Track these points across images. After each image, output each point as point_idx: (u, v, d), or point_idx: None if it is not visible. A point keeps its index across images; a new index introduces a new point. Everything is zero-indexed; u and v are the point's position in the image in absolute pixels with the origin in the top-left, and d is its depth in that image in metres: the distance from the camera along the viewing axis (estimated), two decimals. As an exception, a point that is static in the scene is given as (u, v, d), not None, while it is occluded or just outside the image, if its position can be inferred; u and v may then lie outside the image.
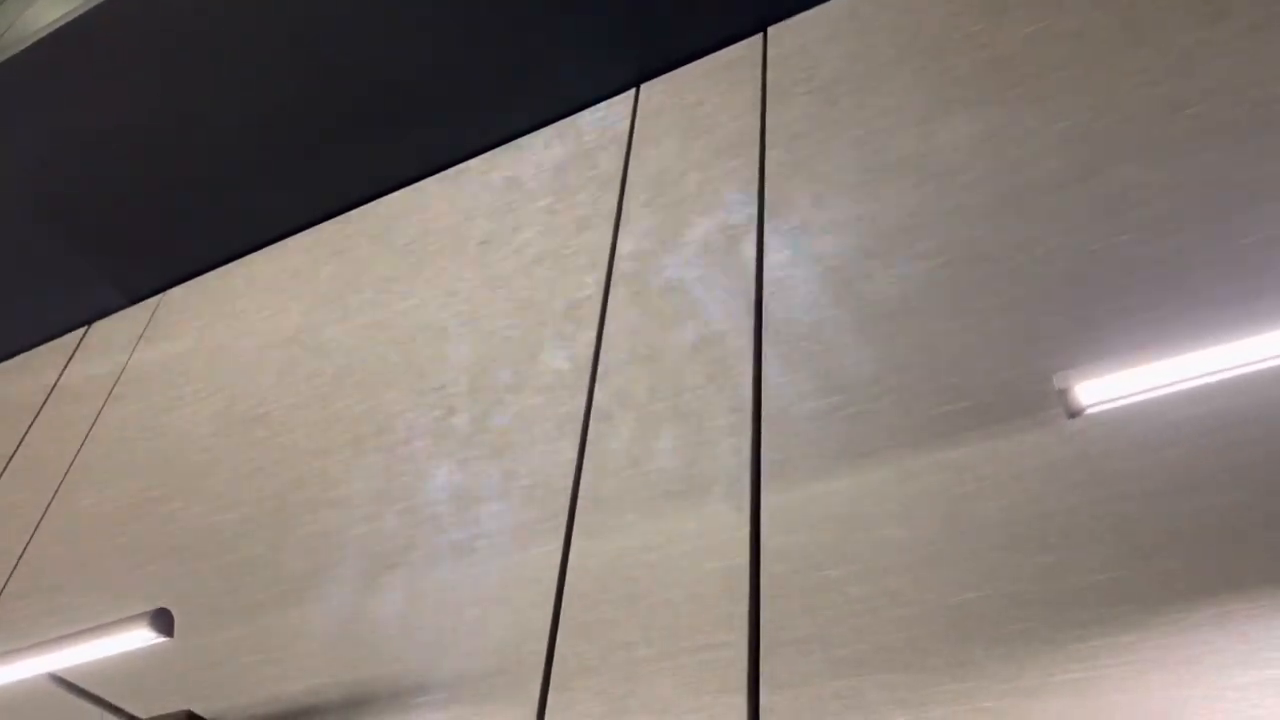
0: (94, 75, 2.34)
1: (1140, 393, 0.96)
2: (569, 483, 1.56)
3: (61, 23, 2.31)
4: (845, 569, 1.25)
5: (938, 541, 1.21)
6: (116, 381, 2.43)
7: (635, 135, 2.01)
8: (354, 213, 2.35)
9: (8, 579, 2.13)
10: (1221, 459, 1.11)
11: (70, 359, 2.63)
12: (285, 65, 2.23)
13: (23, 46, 2.37)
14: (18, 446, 2.48)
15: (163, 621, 1.38)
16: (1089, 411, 0.97)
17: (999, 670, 1.09)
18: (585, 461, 1.57)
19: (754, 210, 1.70)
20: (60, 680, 1.50)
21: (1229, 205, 1.29)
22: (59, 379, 2.59)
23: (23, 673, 1.49)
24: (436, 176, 2.27)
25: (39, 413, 2.53)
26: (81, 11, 2.29)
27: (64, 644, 1.44)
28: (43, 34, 2.34)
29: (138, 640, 1.40)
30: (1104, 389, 0.96)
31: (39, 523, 2.22)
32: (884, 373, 1.40)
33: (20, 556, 2.17)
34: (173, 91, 2.32)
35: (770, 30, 1.97)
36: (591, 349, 1.70)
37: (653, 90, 2.07)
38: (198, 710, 1.62)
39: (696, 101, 1.97)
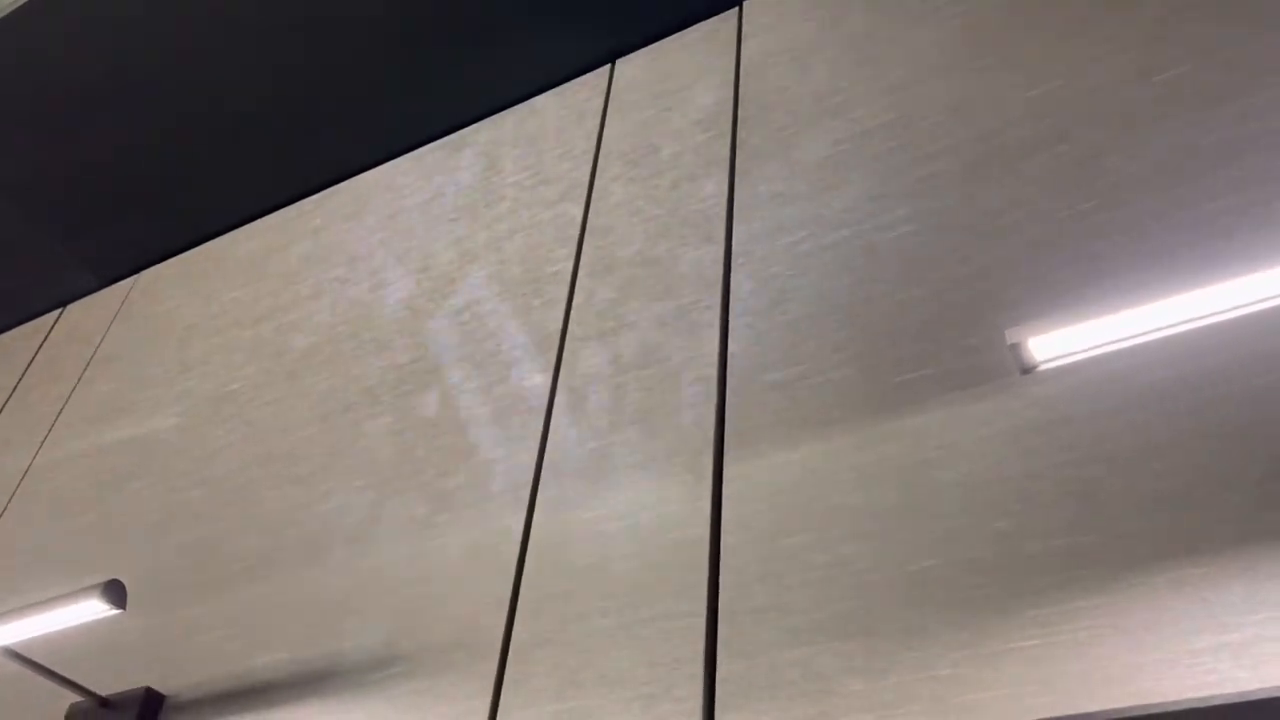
0: (64, 52, 2.32)
1: (1094, 348, 0.93)
2: (533, 456, 1.54)
3: (30, -2, 2.28)
4: (803, 537, 1.23)
5: (896, 509, 1.19)
6: (88, 364, 2.41)
7: (609, 110, 1.99)
8: (326, 192, 2.32)
9: (-26, 559, 2.11)
10: (1181, 422, 1.09)
11: (44, 342, 2.60)
12: (257, 45, 2.21)
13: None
14: (-11, 428, 2.46)
15: (114, 593, 1.36)
16: (1042, 368, 0.95)
17: (955, 637, 1.07)
18: (549, 434, 1.55)
19: (725, 183, 1.68)
20: (16, 655, 1.47)
21: (1197, 171, 1.27)
22: (31, 362, 2.57)
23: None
24: (409, 155, 2.25)
25: (10, 396, 2.51)
26: (51, -14, 2.26)
27: (15, 617, 1.41)
28: (10, 9, 2.31)
29: (90, 612, 1.38)
30: (1056, 344, 0.94)
31: (8, 504, 2.20)
32: (849, 341, 1.37)
33: (-12, 538, 2.15)
34: (144, 71, 2.30)
35: (745, 4, 1.94)
36: (560, 323, 1.68)
37: (627, 66, 2.04)
38: (157, 687, 1.59)
39: (670, 76, 1.94)
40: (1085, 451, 1.12)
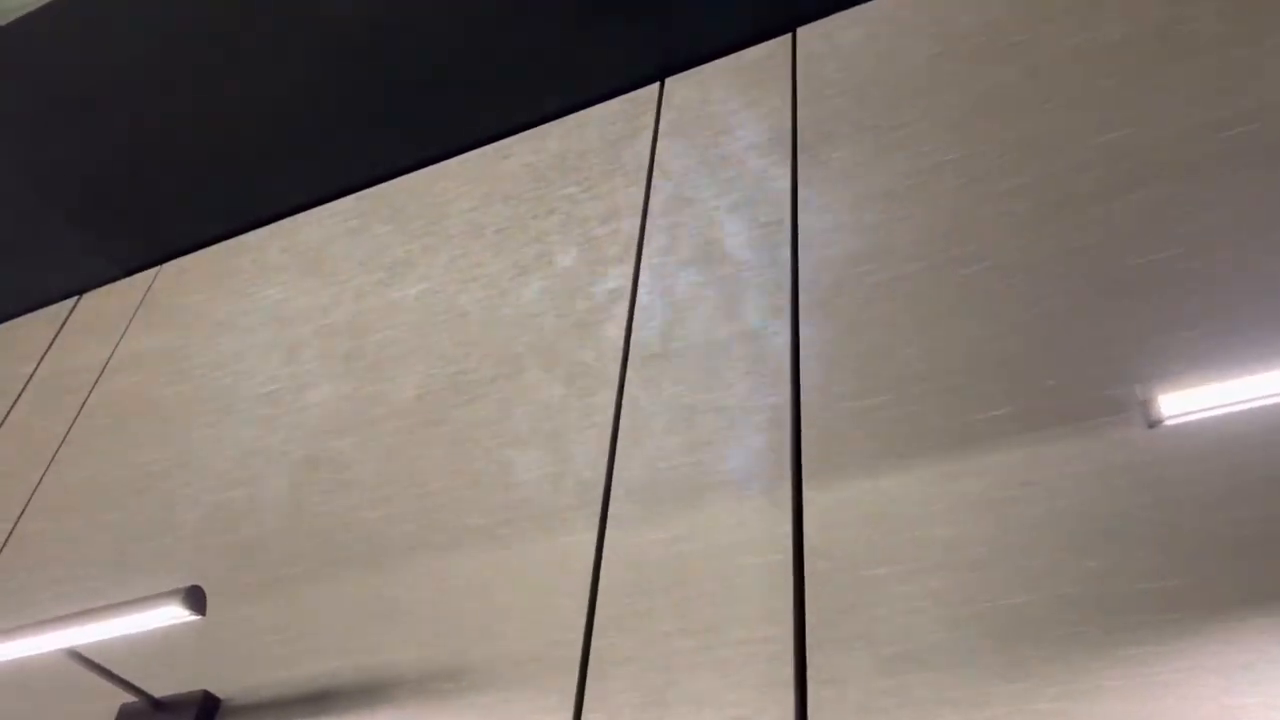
0: (94, 40, 2.30)
1: (1221, 406, 0.98)
2: (601, 473, 1.56)
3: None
4: (889, 568, 1.27)
5: (983, 544, 1.23)
6: (112, 354, 2.39)
7: (660, 129, 2.01)
8: (366, 192, 2.32)
9: None
10: (1274, 468, 1.13)
11: (60, 330, 2.58)
12: (301, 38, 2.20)
13: (20, 13, 2.32)
14: (5, 417, 2.43)
15: (195, 599, 1.36)
16: (1167, 423, 1.00)
17: (1051, 673, 1.11)
18: (617, 452, 1.57)
19: (787, 208, 1.71)
20: (79, 657, 1.47)
21: (1271, 225, 1.32)
22: (48, 350, 2.54)
23: (45, 647, 1.46)
24: (453, 160, 2.25)
25: (26, 384, 2.48)
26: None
27: (90, 619, 1.41)
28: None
29: (168, 617, 1.38)
30: (1185, 401, 0.98)
31: (31, 496, 2.18)
32: (926, 374, 1.41)
33: (10, 532, 2.13)
34: (180, 60, 2.28)
35: (800, 31, 1.98)
36: (621, 343, 1.70)
37: (678, 85, 2.07)
38: (214, 691, 1.60)
39: (724, 98, 1.97)
40: (1179, 493, 1.16)
